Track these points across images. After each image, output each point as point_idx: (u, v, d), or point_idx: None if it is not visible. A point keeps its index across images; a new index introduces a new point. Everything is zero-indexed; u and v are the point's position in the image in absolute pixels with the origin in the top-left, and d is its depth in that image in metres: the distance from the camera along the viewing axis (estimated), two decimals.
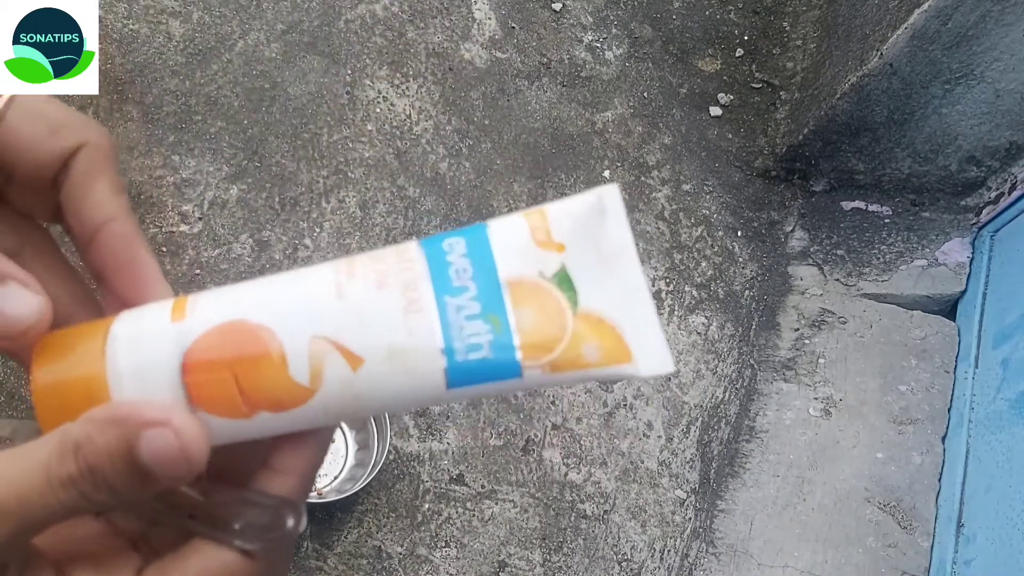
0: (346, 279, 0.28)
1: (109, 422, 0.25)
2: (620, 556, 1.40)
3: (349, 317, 0.27)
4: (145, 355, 0.28)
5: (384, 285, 0.28)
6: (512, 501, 1.39)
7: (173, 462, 0.25)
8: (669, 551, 1.43)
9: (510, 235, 0.29)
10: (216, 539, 0.29)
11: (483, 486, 1.38)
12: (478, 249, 0.29)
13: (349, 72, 1.60)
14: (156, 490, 0.27)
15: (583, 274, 0.29)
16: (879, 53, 1.45)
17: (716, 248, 1.70)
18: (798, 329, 1.63)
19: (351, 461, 1.31)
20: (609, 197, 0.30)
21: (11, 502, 0.25)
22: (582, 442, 1.46)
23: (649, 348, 0.29)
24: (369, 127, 1.57)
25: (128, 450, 0.25)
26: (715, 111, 1.83)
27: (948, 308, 1.66)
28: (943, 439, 1.51)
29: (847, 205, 1.73)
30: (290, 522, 0.28)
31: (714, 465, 1.51)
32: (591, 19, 1.84)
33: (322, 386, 0.27)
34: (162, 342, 0.28)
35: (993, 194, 1.65)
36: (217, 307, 0.28)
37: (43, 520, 0.25)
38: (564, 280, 0.29)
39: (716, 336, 1.62)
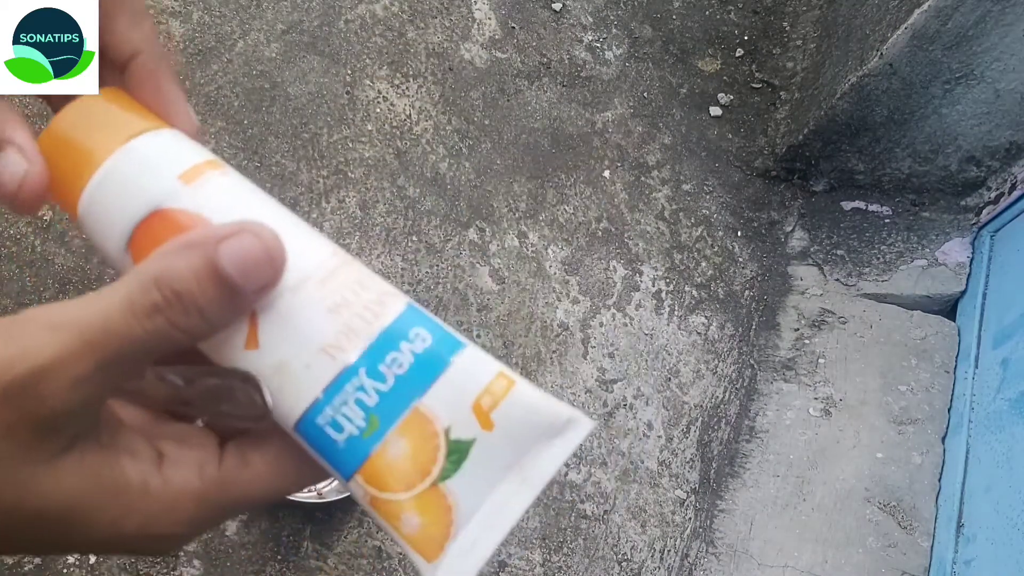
0: (326, 272, 0.27)
1: (185, 246, 0.25)
2: (620, 556, 1.40)
3: (287, 303, 0.27)
4: (129, 186, 0.28)
5: (335, 311, 0.27)
6: None
7: (258, 265, 0.25)
8: (669, 551, 1.43)
9: (464, 379, 0.27)
10: (215, 423, 0.29)
11: None
12: (430, 361, 0.27)
13: (349, 72, 1.60)
14: (245, 308, 0.26)
15: (481, 465, 0.27)
16: (879, 53, 1.45)
17: (716, 248, 1.70)
18: (798, 329, 1.63)
19: None
20: (576, 429, 0.28)
21: (97, 333, 0.24)
22: (582, 442, 1.46)
23: (455, 567, 0.27)
24: (369, 127, 1.57)
25: (211, 265, 0.25)
26: (715, 111, 1.83)
27: (948, 308, 1.66)
28: (943, 439, 1.51)
29: (847, 205, 1.73)
30: (259, 399, 0.27)
31: (714, 465, 1.51)
32: (591, 19, 1.84)
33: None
34: (150, 189, 0.28)
35: (993, 194, 1.65)
36: (220, 202, 0.28)
37: (131, 354, 0.25)
38: (458, 453, 0.27)
39: (716, 336, 1.62)
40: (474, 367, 0.27)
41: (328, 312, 0.26)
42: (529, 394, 0.28)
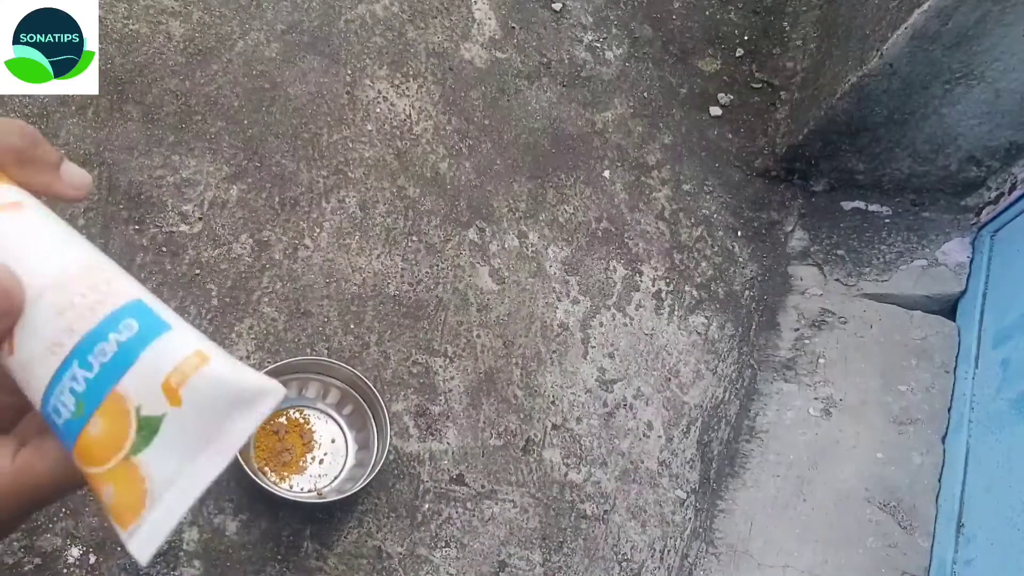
0: (65, 278, 0.31)
1: None
2: (620, 556, 1.40)
3: (29, 312, 0.31)
4: None
5: (61, 314, 0.31)
6: (512, 501, 1.39)
7: None
8: (669, 551, 1.43)
9: (157, 360, 0.30)
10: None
11: (483, 486, 1.38)
12: (130, 348, 0.30)
13: (349, 72, 1.60)
14: None
15: (173, 438, 0.30)
16: (879, 53, 1.45)
17: (716, 248, 1.70)
18: (798, 329, 1.63)
19: (351, 461, 1.31)
20: (266, 398, 0.31)
21: None
22: (582, 442, 1.46)
23: (146, 533, 0.30)
24: (369, 127, 1.57)
25: None
26: (715, 111, 1.83)
27: (948, 308, 1.65)
28: (943, 439, 1.51)
29: (847, 205, 1.73)
30: None
31: (714, 465, 1.51)
32: (591, 19, 1.84)
33: None
34: None
35: (993, 194, 1.65)
36: None
37: None
38: (148, 429, 0.30)
39: (716, 336, 1.62)
40: (170, 348, 0.30)
41: (56, 315, 0.30)
42: (219, 369, 0.30)
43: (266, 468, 1.26)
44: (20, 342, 0.31)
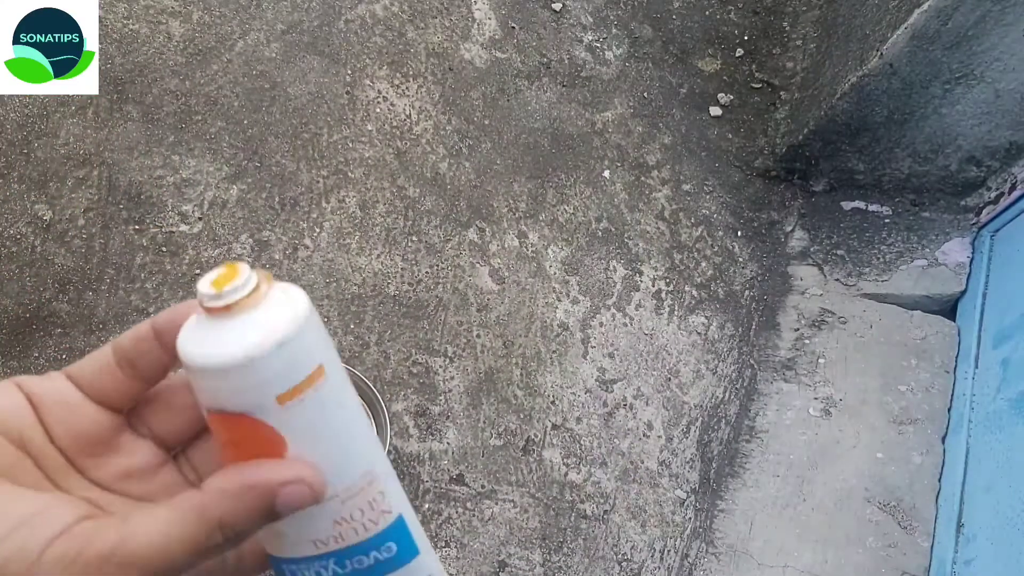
0: (349, 494, 0.35)
1: (249, 488, 0.30)
2: (620, 556, 1.40)
3: (310, 508, 0.35)
4: None
5: (339, 524, 0.35)
6: (512, 501, 1.39)
7: (306, 503, 0.31)
8: (669, 551, 1.43)
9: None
10: None
11: (483, 486, 1.38)
12: (383, 566, 0.36)
13: (349, 72, 1.60)
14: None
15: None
16: (879, 53, 1.45)
17: (716, 248, 1.70)
18: (798, 329, 1.63)
19: None
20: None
21: (156, 564, 0.29)
22: (582, 442, 1.46)
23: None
24: (369, 127, 1.57)
25: (269, 509, 0.30)
26: (715, 111, 1.83)
27: (948, 308, 1.65)
28: (943, 439, 1.51)
29: (847, 205, 1.73)
30: None
31: (714, 465, 1.51)
32: (591, 19, 1.84)
33: None
34: (248, 396, 0.34)
35: (993, 194, 1.65)
36: (301, 426, 0.34)
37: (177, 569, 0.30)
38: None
39: (716, 336, 1.62)
40: (415, 571, 0.36)
41: (333, 524, 0.34)
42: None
43: None
44: (288, 520, 0.33)
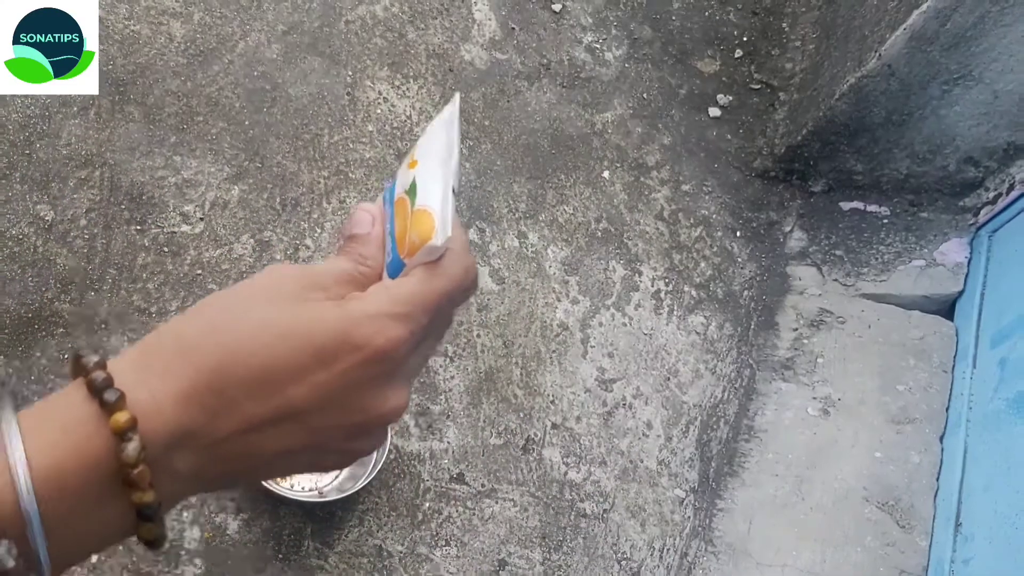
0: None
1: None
2: (619, 555, 1.41)
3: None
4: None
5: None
6: (512, 500, 1.39)
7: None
8: (668, 550, 1.43)
9: (405, 167, 0.41)
10: None
11: (483, 485, 1.39)
12: (403, 175, 0.41)
13: (350, 73, 1.61)
14: None
15: (423, 180, 0.39)
16: (877, 54, 1.46)
17: (715, 248, 1.71)
18: (797, 329, 1.63)
19: None
20: (452, 107, 0.40)
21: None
22: (582, 441, 1.47)
23: (444, 228, 0.38)
24: (370, 128, 1.58)
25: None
26: (714, 112, 1.84)
27: (946, 308, 1.66)
28: (941, 438, 1.52)
29: (846, 205, 1.74)
30: None
31: (713, 464, 1.52)
32: (591, 20, 1.85)
33: None
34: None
35: (991, 194, 1.65)
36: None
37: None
38: (412, 190, 0.40)
39: (715, 336, 1.62)
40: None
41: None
42: (427, 128, 0.42)
43: None
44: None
